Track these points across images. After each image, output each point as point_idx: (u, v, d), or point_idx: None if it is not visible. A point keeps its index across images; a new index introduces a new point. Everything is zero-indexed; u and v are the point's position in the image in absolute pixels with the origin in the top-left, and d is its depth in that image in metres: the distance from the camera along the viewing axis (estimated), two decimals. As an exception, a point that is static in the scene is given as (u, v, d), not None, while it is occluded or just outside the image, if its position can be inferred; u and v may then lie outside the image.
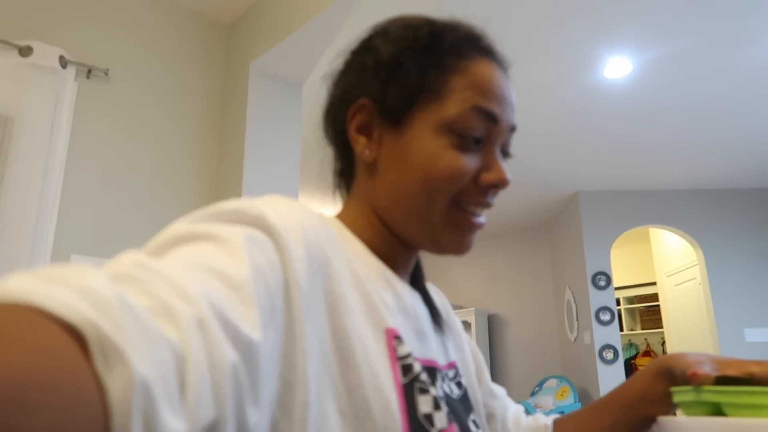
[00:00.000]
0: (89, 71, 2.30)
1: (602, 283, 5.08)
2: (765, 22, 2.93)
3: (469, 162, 0.54)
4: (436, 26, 0.57)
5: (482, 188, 0.55)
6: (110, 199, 2.29)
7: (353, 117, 0.57)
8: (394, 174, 0.55)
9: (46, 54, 2.15)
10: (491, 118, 0.54)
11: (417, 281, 0.64)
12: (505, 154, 0.59)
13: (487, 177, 0.55)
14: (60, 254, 2.09)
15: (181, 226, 0.39)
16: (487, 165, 0.55)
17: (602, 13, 2.86)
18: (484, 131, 0.54)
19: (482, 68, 0.55)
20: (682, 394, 0.54)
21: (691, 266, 5.40)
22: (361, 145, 0.57)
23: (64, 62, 2.19)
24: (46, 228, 2.04)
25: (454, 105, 0.53)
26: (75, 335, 0.23)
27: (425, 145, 0.54)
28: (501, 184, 0.55)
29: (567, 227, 5.67)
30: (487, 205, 0.56)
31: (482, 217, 0.57)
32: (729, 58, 3.25)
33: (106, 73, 2.35)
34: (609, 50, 3.17)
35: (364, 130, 0.57)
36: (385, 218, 0.57)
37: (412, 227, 0.56)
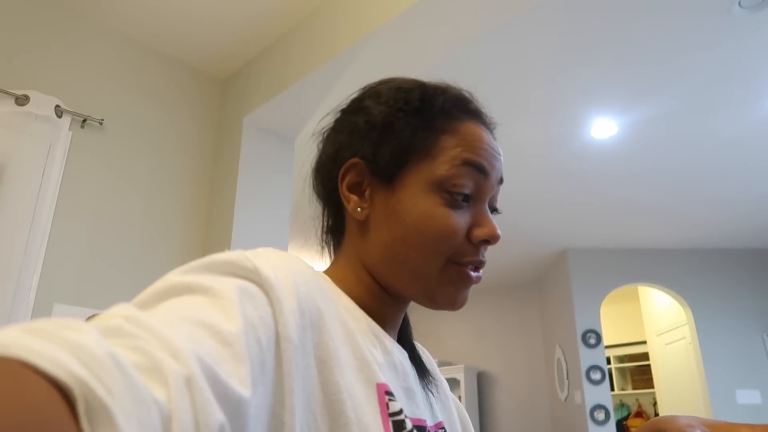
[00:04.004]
0: (84, 121, 2.32)
1: (592, 341, 5.04)
2: (741, 88, 3.04)
3: (461, 219, 0.54)
4: (427, 89, 0.59)
5: (475, 245, 0.55)
6: (97, 249, 2.27)
7: (344, 175, 0.58)
8: (386, 232, 0.55)
9: (42, 103, 2.17)
10: (481, 172, 0.55)
11: (404, 338, 0.63)
12: (493, 209, 0.59)
13: (479, 233, 0.55)
14: (42, 303, 2.05)
15: (172, 277, 0.39)
16: (478, 221, 0.56)
17: (587, 76, 2.96)
18: (474, 187, 0.55)
19: (471, 128, 0.57)
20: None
21: (681, 325, 5.38)
22: (353, 203, 0.57)
23: (59, 112, 2.22)
24: (30, 276, 2.01)
25: (444, 162, 0.55)
26: (63, 393, 0.22)
27: (417, 203, 0.54)
28: (492, 239, 0.56)
29: (556, 284, 5.66)
30: (481, 263, 0.56)
31: (479, 272, 0.57)
32: (710, 122, 3.35)
33: (101, 123, 2.38)
34: (595, 111, 3.26)
35: (355, 188, 0.58)
36: (376, 275, 0.57)
37: (407, 284, 0.56)
